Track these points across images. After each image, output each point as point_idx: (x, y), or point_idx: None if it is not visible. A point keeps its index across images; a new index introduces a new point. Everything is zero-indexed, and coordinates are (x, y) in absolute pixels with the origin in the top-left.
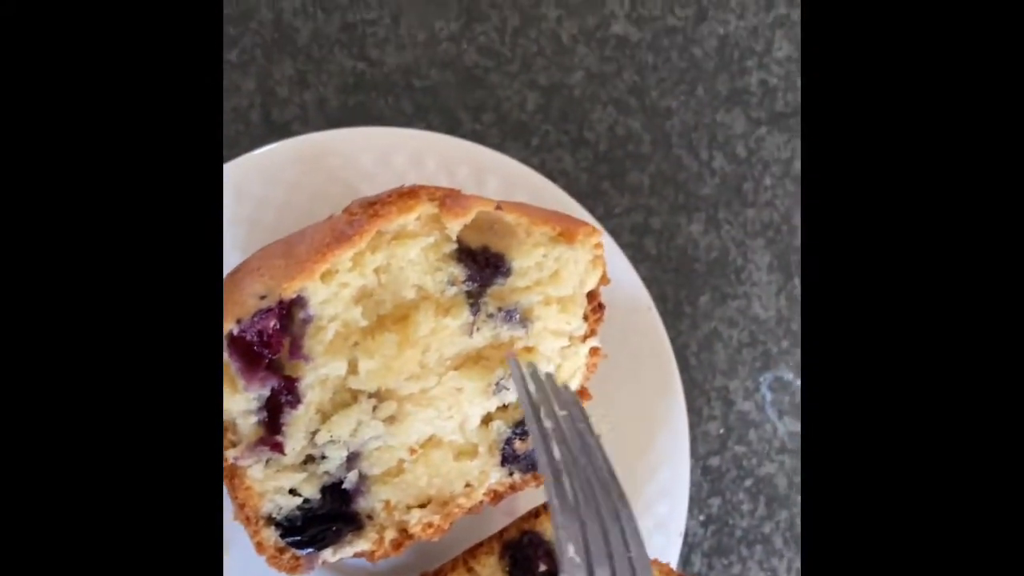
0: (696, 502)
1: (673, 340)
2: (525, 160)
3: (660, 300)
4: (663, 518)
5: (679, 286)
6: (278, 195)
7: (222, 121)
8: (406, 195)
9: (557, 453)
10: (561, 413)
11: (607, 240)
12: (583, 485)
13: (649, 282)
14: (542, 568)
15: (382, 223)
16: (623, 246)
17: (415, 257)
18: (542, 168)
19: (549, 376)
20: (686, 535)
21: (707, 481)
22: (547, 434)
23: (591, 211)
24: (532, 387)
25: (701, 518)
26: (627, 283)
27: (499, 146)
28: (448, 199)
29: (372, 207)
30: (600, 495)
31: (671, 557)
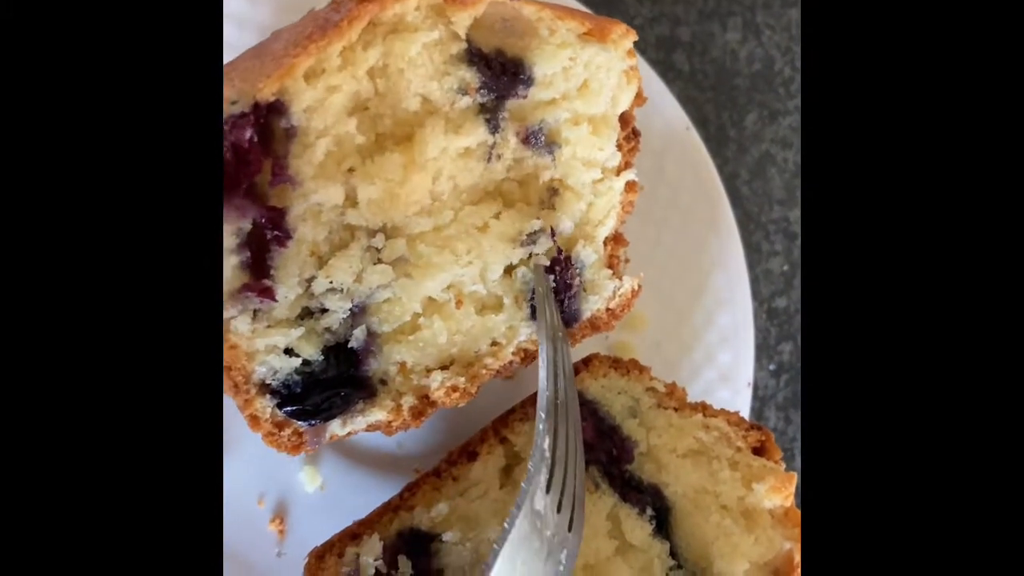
0: (764, 350)
1: (720, 169)
2: None
3: (699, 124)
4: (727, 368)
5: (720, 106)
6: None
7: None
8: None
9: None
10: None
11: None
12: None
13: (684, 104)
14: (588, 433)
15: (375, 9)
16: (649, 63)
17: (416, 57)
18: None
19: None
20: (756, 387)
21: (774, 326)
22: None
23: None
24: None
25: (771, 367)
26: (657, 101)
27: None
28: None
29: None
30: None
31: (740, 410)
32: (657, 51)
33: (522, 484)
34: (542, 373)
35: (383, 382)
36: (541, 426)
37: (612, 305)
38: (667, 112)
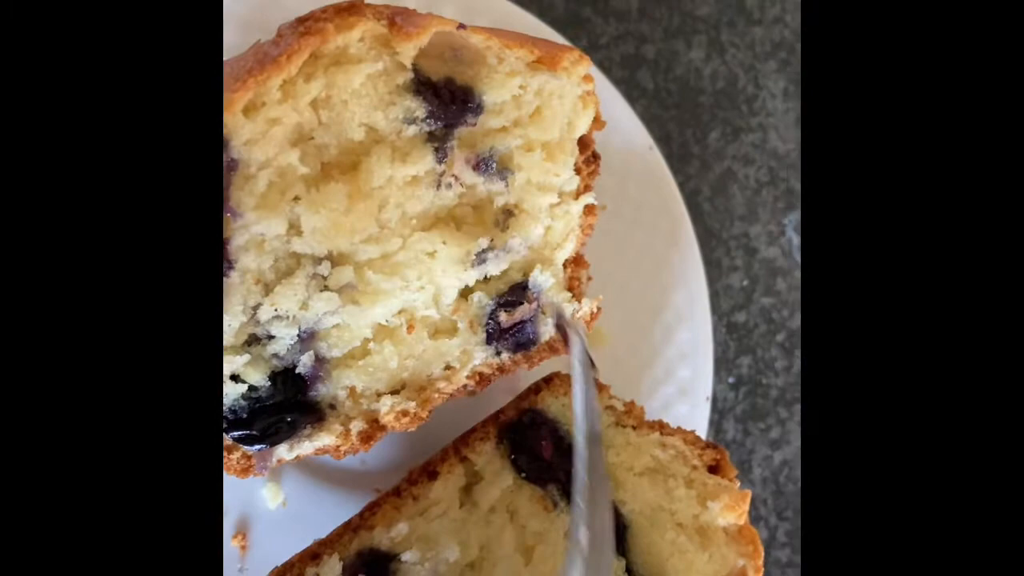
0: (723, 363)
1: (682, 186)
2: None
3: (663, 142)
4: (686, 383)
5: (683, 123)
6: None
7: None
8: (345, 10)
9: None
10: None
11: (595, 74)
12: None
13: (647, 121)
14: (548, 452)
15: (316, 42)
16: (614, 82)
17: (361, 88)
18: None
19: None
20: (714, 400)
21: (733, 339)
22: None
23: (572, 43)
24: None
25: (730, 380)
26: (621, 121)
27: None
28: (398, 17)
29: (303, 24)
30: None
31: (698, 424)
32: (622, 69)
33: None
34: (576, 464)
35: (332, 407)
36: (577, 513)
37: None
38: (631, 132)
